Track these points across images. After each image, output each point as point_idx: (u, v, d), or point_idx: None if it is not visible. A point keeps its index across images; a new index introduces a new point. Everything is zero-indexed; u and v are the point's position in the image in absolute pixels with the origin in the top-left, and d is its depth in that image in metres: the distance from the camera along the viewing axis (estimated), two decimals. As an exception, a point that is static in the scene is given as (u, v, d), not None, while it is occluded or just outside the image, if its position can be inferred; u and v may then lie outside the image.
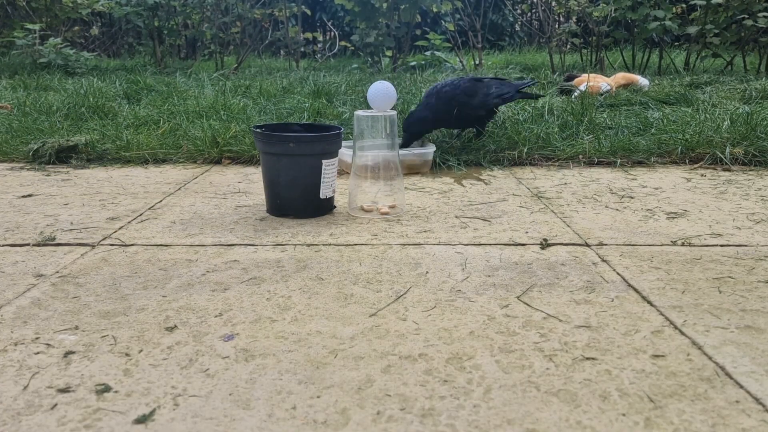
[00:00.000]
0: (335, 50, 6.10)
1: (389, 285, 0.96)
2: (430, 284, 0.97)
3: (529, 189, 1.60)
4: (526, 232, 1.23)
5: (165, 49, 5.15)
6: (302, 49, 5.51)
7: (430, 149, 1.81)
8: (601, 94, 2.87)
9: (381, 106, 1.38)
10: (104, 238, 1.19)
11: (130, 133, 2.14)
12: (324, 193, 1.34)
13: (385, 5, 4.44)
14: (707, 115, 2.24)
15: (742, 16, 4.05)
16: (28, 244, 1.16)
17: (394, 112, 1.38)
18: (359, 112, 1.38)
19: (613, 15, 4.28)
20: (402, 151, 1.78)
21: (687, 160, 1.91)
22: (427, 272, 1.02)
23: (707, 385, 0.68)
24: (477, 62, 4.70)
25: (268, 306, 0.88)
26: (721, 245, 1.16)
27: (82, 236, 1.21)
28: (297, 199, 1.33)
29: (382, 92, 1.38)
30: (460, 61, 4.59)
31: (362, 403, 0.64)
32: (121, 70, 4.45)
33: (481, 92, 1.94)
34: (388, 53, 4.75)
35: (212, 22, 4.86)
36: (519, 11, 7.40)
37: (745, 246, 1.15)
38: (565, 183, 1.68)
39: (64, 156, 1.92)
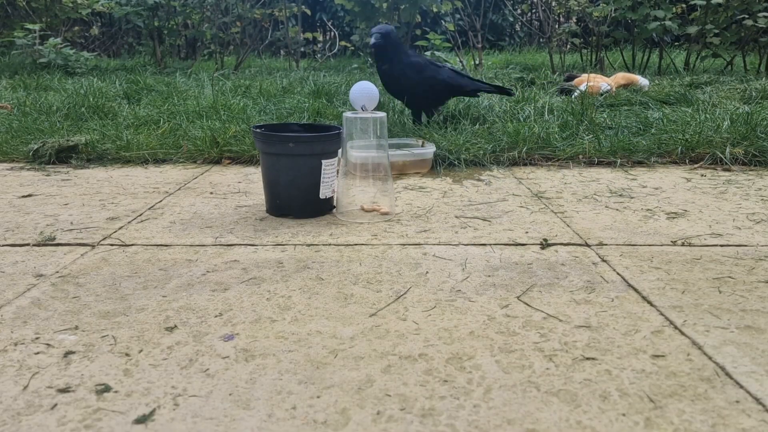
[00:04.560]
0: (335, 50, 6.10)
1: (389, 285, 0.96)
2: (430, 284, 0.97)
3: (529, 189, 1.60)
4: (526, 232, 1.23)
5: (165, 49, 5.15)
6: (302, 49, 5.51)
7: (430, 149, 1.81)
8: (601, 94, 2.88)
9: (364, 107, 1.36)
10: (104, 238, 1.19)
11: (130, 133, 2.14)
12: (324, 193, 1.34)
13: (385, 5, 4.43)
14: (707, 115, 2.24)
15: (742, 16, 4.05)
16: (28, 244, 1.16)
17: (384, 114, 1.37)
18: (348, 114, 1.36)
19: (613, 15, 4.29)
20: (402, 151, 1.78)
21: (687, 160, 1.91)
22: (427, 272, 1.02)
23: (707, 385, 0.68)
24: (477, 62, 4.70)
25: (268, 306, 0.88)
26: (721, 245, 1.15)
27: (82, 236, 1.21)
28: (297, 199, 1.33)
29: (361, 92, 1.36)
30: (460, 61, 4.59)
31: (362, 403, 0.64)
32: (121, 70, 4.45)
33: (429, 71, 2.10)
34: (389, 53, 4.74)
35: (212, 22, 4.86)
36: (519, 11, 7.39)
37: (745, 246, 1.15)
38: (565, 183, 1.68)
39: (64, 156, 1.92)
